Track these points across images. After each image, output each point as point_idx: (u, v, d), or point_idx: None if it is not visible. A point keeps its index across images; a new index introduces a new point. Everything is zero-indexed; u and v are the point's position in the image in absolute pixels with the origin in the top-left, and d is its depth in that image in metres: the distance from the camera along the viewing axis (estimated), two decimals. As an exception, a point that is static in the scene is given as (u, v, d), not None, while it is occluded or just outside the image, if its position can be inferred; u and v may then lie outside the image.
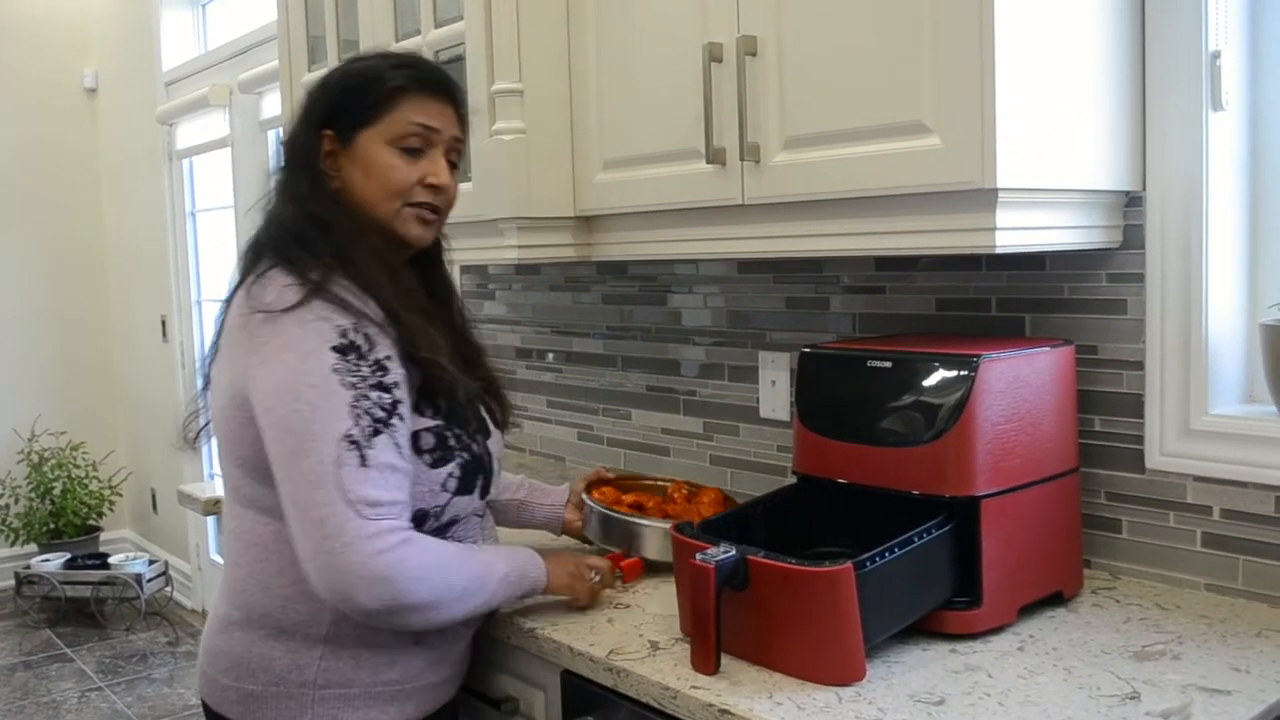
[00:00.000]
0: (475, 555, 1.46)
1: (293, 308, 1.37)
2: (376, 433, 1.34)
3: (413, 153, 1.48)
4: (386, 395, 1.37)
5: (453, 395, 1.46)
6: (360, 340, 1.37)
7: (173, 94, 4.87)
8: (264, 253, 1.46)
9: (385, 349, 1.39)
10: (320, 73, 1.60)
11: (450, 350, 1.51)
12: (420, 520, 1.44)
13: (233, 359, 1.42)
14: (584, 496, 1.86)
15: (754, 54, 1.63)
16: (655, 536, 1.74)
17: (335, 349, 1.35)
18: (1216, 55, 1.55)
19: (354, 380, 1.35)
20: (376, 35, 2.28)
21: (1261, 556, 1.55)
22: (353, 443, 1.32)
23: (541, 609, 1.62)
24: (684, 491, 1.94)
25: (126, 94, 5.31)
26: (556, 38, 1.98)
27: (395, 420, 1.37)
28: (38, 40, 5.46)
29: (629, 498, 1.88)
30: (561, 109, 1.99)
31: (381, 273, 1.44)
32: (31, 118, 5.45)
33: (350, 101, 1.48)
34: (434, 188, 1.50)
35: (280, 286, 1.39)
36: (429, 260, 1.61)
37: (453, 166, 1.55)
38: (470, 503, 1.51)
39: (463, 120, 1.56)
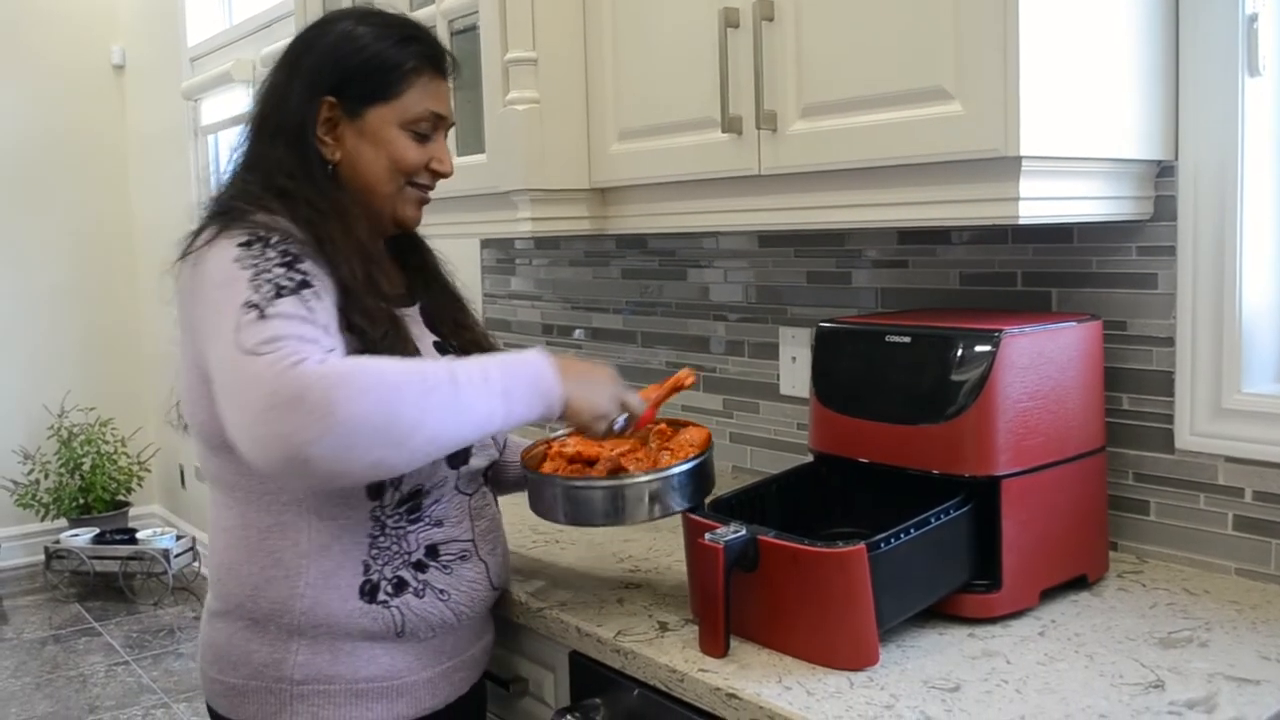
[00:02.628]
0: (443, 364, 1.26)
1: (212, 240, 1.32)
2: (279, 295, 1.23)
3: (421, 136, 1.46)
4: (297, 274, 1.27)
5: (394, 349, 1.34)
6: (269, 235, 1.30)
7: (198, 69, 4.87)
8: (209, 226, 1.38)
9: (299, 252, 1.30)
10: (308, 28, 1.49)
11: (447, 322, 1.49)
12: (377, 490, 1.37)
13: (179, 322, 1.37)
14: (520, 456, 1.57)
15: (771, 19, 1.58)
16: (595, 499, 1.44)
17: (240, 244, 1.29)
18: (1254, 18, 1.48)
19: (254, 262, 1.26)
20: (393, 4, 2.24)
21: (1295, 540, 1.49)
22: (251, 305, 1.22)
23: (551, 588, 1.59)
24: (665, 434, 1.55)
25: (153, 70, 5.32)
26: (571, 5, 1.93)
27: (306, 293, 1.26)
28: (67, 18, 5.48)
29: (588, 450, 1.51)
30: (576, 78, 1.95)
31: (353, 249, 1.37)
32: (61, 96, 5.47)
33: (364, 74, 1.42)
34: (436, 173, 1.49)
35: (205, 232, 1.35)
36: (410, 240, 1.58)
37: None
38: (435, 471, 1.42)
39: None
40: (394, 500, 1.40)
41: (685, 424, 1.58)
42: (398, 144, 1.44)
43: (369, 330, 1.33)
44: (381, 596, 1.39)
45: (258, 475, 1.35)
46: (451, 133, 1.56)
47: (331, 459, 1.14)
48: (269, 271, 1.26)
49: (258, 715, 1.40)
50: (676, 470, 1.43)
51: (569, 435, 1.56)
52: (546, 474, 1.48)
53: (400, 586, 1.40)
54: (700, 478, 1.46)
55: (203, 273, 1.30)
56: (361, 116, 1.43)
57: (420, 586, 1.41)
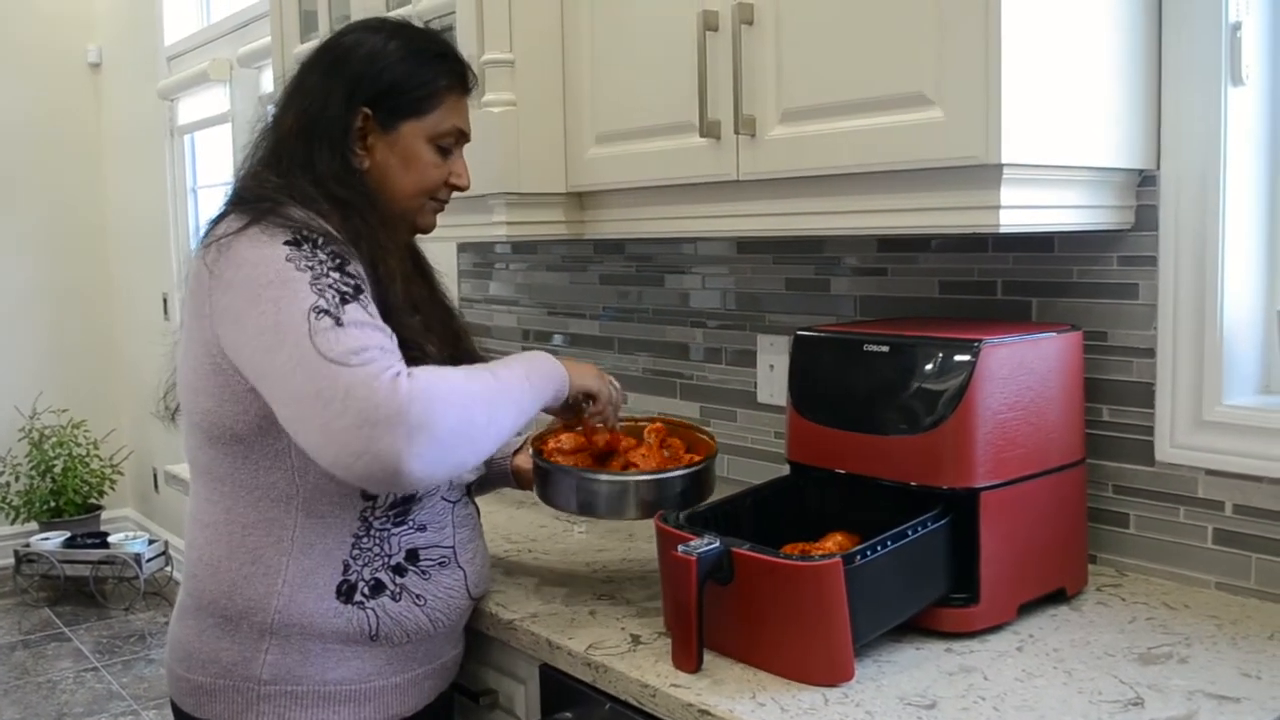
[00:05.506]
0: (482, 367, 1.35)
1: (243, 229, 1.31)
2: (345, 301, 1.25)
3: (444, 150, 1.50)
4: (350, 279, 1.28)
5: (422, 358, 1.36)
6: (315, 236, 1.30)
7: (175, 69, 4.82)
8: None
9: (345, 254, 1.31)
10: (341, 36, 1.51)
11: (439, 333, 1.47)
12: (371, 494, 1.37)
13: (194, 310, 1.35)
14: (531, 446, 1.61)
15: (750, 22, 1.56)
16: (604, 493, 1.50)
17: (287, 243, 1.28)
18: (1237, 27, 1.47)
19: (309, 264, 1.27)
20: (368, 6, 2.21)
21: (1276, 555, 1.47)
22: (321, 311, 1.22)
23: (523, 599, 1.57)
24: (660, 435, 1.64)
25: (129, 69, 5.26)
26: (549, 6, 1.91)
27: (364, 298, 1.27)
28: (43, 15, 5.42)
29: (587, 444, 1.59)
30: (554, 81, 1.92)
31: (397, 263, 1.41)
32: (35, 93, 5.41)
33: (402, 88, 1.45)
34: (455, 186, 1.53)
35: (230, 219, 1.34)
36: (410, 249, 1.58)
37: None
38: None
39: None
40: (386, 502, 1.39)
41: (680, 428, 1.66)
42: (423, 159, 1.47)
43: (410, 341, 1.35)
44: (358, 598, 1.38)
45: (252, 470, 1.36)
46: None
47: (427, 468, 1.21)
48: (327, 276, 1.27)
49: (224, 714, 1.39)
50: (680, 472, 1.50)
51: (555, 431, 1.62)
52: (567, 466, 1.53)
53: (377, 589, 1.39)
54: (702, 482, 1.53)
55: (238, 264, 1.29)
56: (395, 130, 1.46)
57: (397, 590, 1.40)
